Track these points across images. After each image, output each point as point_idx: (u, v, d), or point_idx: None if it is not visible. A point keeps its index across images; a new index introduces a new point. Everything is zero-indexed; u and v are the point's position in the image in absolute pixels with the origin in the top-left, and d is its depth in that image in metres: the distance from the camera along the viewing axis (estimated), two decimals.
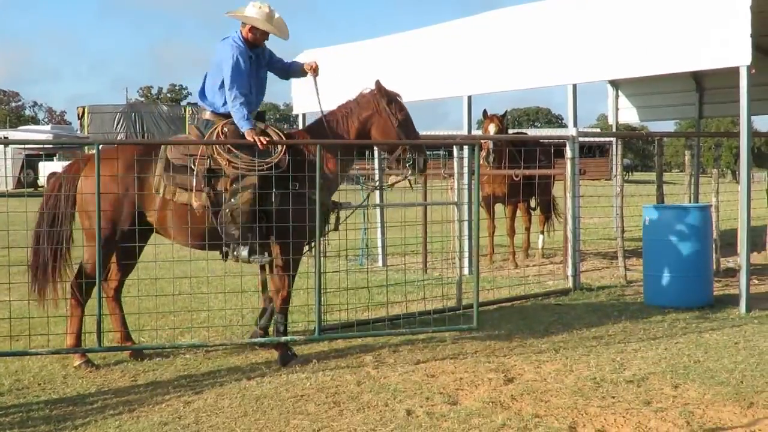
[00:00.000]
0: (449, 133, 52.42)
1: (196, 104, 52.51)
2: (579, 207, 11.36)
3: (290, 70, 7.93)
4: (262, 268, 7.76)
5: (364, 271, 11.61)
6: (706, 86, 17.08)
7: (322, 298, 7.71)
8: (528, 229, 14.21)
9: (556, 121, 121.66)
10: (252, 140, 7.15)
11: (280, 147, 7.29)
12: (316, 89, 7.70)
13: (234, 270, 9.89)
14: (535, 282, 11.44)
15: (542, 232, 14.54)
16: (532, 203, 14.36)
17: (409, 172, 7.57)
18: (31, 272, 7.30)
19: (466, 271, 11.55)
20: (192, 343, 7.72)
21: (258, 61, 7.52)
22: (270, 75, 7.81)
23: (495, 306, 9.82)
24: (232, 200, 7.09)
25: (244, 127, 7.22)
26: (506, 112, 13.69)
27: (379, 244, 13.56)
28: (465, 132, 12.73)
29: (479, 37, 12.24)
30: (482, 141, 12.02)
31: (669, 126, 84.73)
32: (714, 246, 10.98)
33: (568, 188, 10.97)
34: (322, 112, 7.69)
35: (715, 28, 9.36)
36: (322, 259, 7.59)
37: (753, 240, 10.37)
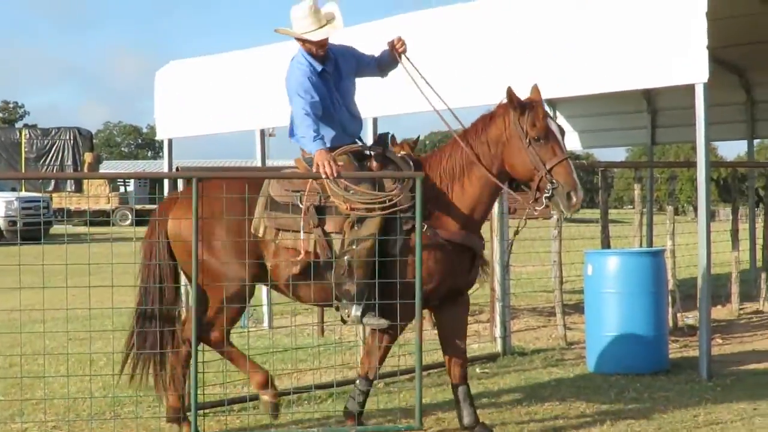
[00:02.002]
0: None
1: (34, 126, 51.46)
2: (509, 253, 11.51)
3: (382, 64, 7.74)
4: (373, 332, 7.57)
5: (244, 335, 11.54)
6: (660, 107, 17.60)
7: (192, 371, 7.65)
8: None
9: None
10: (318, 166, 7.02)
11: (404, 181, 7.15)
12: (414, 74, 7.55)
13: (81, 336, 9.77)
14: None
15: None
16: None
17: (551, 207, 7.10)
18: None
19: None
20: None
21: (337, 72, 7.44)
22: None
23: (408, 376, 9.86)
24: (353, 246, 7.00)
25: (313, 150, 7.10)
26: (418, 137, 13.81)
27: (264, 301, 13.50)
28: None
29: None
30: None
31: (619, 154, 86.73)
32: (670, 299, 11.27)
33: (495, 230, 11.11)
34: (437, 111, 7.69)
35: (667, 40, 9.62)
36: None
37: (716, 291, 10.68)
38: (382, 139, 7.62)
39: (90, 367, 9.28)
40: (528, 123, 6.91)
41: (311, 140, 7.12)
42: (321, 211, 7.18)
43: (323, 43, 7.32)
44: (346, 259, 6.98)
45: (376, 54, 7.68)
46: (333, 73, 7.44)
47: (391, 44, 7.52)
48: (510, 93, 6.98)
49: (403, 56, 7.54)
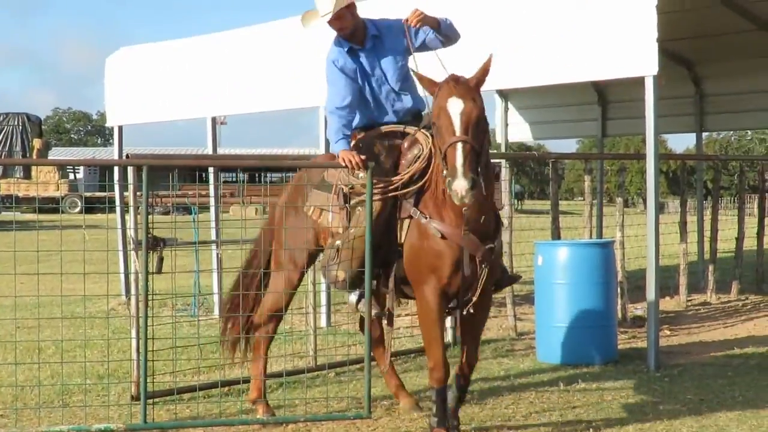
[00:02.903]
0: (308, 151, 52.67)
1: None
2: None
3: (440, 35, 7.32)
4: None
5: (195, 324, 11.51)
6: (610, 99, 17.73)
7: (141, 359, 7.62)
8: None
9: None
10: (342, 162, 6.92)
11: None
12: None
13: (30, 324, 9.69)
14: (407, 336, 11.55)
15: None
16: None
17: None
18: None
19: (323, 322, 11.62)
20: None
21: (378, 49, 7.20)
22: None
23: (359, 365, 9.87)
24: (349, 232, 6.98)
25: (336, 150, 7.03)
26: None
27: (215, 289, 13.45)
28: (322, 150, 12.81)
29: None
30: None
31: (571, 145, 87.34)
32: (619, 290, 11.37)
33: None
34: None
35: (616, 31, 9.72)
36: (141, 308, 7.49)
37: (664, 282, 10.78)
38: (416, 116, 7.35)
39: (38, 355, 9.21)
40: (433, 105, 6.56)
41: (334, 142, 7.10)
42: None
43: (342, 25, 7.15)
44: (337, 245, 6.99)
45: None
46: (371, 50, 7.22)
47: (406, 20, 7.17)
48: (418, 75, 6.74)
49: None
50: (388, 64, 7.25)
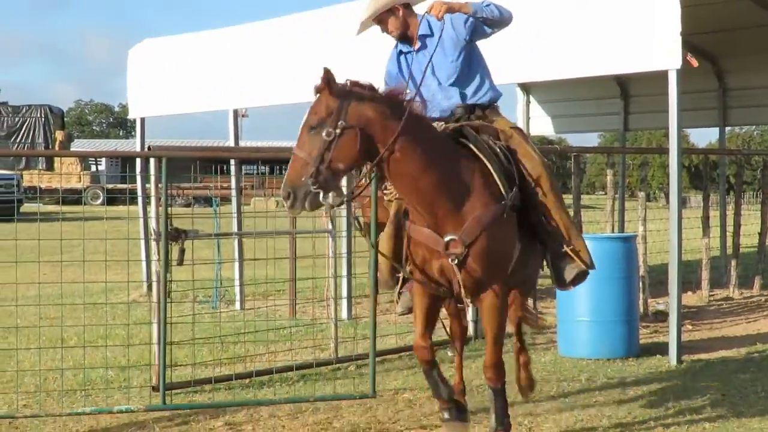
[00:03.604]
0: None
1: (5, 103, 50.91)
2: None
3: (487, 22, 7.11)
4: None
5: (217, 316, 11.55)
6: (633, 93, 17.64)
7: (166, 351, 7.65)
8: None
9: None
10: None
11: None
12: None
13: (52, 314, 9.75)
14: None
15: None
16: None
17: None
18: None
19: (344, 314, 11.63)
20: None
21: (423, 51, 6.97)
22: None
23: (379, 358, 9.87)
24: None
25: None
26: None
27: (237, 282, 13.49)
28: None
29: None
30: None
31: (592, 139, 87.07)
32: (641, 285, 11.33)
33: None
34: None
35: (640, 25, 9.67)
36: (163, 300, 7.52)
37: (686, 277, 10.73)
38: (464, 111, 7.03)
39: (61, 344, 9.25)
40: None
41: None
42: None
43: (388, 28, 7.01)
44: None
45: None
46: (420, 51, 7.01)
47: (430, 8, 6.89)
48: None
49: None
50: (437, 62, 6.94)
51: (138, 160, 8.71)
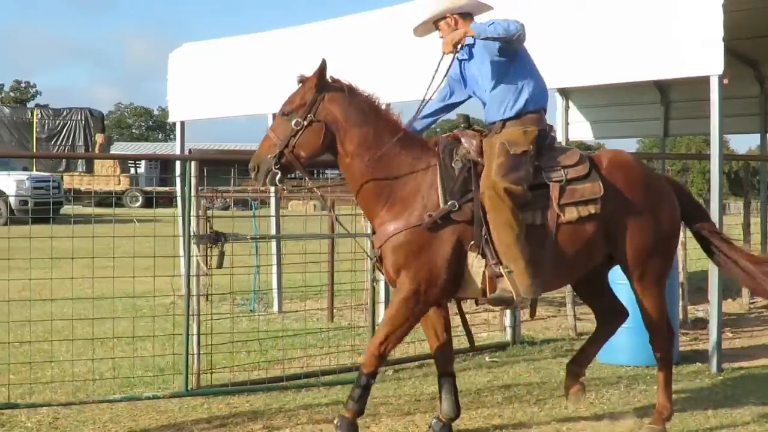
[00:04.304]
0: None
1: (46, 106, 51.33)
2: None
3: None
4: None
5: (255, 318, 11.57)
6: (673, 98, 17.53)
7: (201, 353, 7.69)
8: None
9: None
10: None
11: None
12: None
13: (90, 316, 9.80)
14: (465, 334, 11.52)
15: None
16: None
17: None
18: None
19: (380, 319, 11.62)
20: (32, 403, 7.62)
21: (469, 58, 7.16)
22: None
23: (417, 363, 9.88)
24: None
25: None
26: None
27: (275, 285, 13.53)
28: None
29: (397, 33, 12.25)
30: None
31: (630, 145, 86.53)
32: (680, 291, 11.25)
33: None
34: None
35: (681, 30, 9.61)
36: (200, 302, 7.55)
37: (726, 285, 10.64)
38: (463, 120, 7.26)
39: (99, 347, 9.32)
40: None
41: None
42: None
43: (443, 34, 7.13)
44: None
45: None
46: (467, 60, 7.19)
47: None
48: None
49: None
50: (474, 72, 7.16)
51: (177, 163, 8.73)
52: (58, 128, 51.80)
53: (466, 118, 7.16)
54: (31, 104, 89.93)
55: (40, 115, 52.70)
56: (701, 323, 11.88)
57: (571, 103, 17.71)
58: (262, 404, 8.06)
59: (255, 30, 16.20)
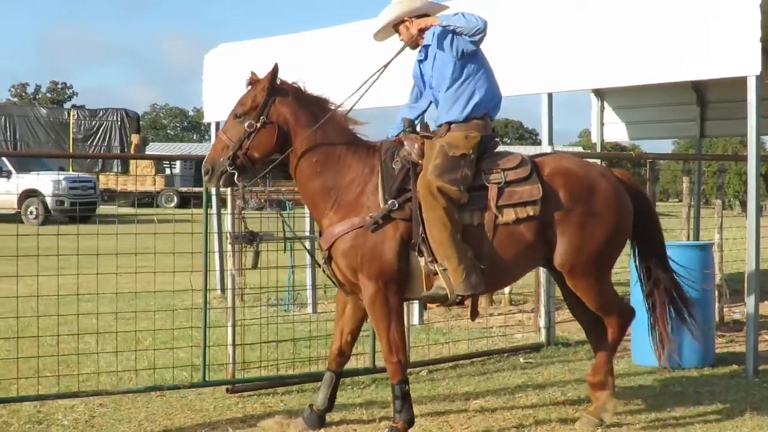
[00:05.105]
0: None
1: (82, 107, 51.72)
2: None
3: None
4: None
5: (290, 319, 11.60)
6: (710, 99, 17.40)
7: (236, 352, 7.72)
8: None
9: (530, 137, 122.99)
10: None
11: None
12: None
13: (127, 315, 9.88)
14: (500, 335, 11.54)
15: None
16: None
17: None
18: None
19: (415, 320, 11.63)
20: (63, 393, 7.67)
21: (426, 61, 7.34)
22: None
23: (451, 364, 9.87)
24: None
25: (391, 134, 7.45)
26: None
27: (309, 285, 13.55)
28: None
29: None
30: None
31: (666, 146, 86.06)
32: (717, 293, 11.17)
33: None
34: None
35: (718, 30, 9.55)
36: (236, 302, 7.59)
37: (764, 286, 10.56)
38: (408, 124, 7.40)
39: (136, 345, 9.38)
40: None
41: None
42: None
43: (402, 37, 7.41)
44: None
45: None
46: (424, 60, 7.36)
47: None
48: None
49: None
50: (432, 73, 7.31)
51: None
52: (94, 129, 52.12)
53: (411, 122, 7.32)
54: (67, 105, 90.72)
55: (76, 116, 53.05)
56: (738, 325, 11.79)
57: (606, 104, 17.62)
58: (296, 404, 8.09)
59: (291, 31, 16.19)
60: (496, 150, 7.32)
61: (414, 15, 7.28)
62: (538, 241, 7.02)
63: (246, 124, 6.93)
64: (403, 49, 7.39)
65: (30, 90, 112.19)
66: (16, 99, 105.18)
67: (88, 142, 51.56)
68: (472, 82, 7.12)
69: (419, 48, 7.32)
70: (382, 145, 7.16)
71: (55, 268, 8.81)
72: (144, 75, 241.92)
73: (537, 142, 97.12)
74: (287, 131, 6.98)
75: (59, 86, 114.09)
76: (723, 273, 11.91)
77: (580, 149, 75.14)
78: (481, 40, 6.99)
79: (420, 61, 7.37)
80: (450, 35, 7.03)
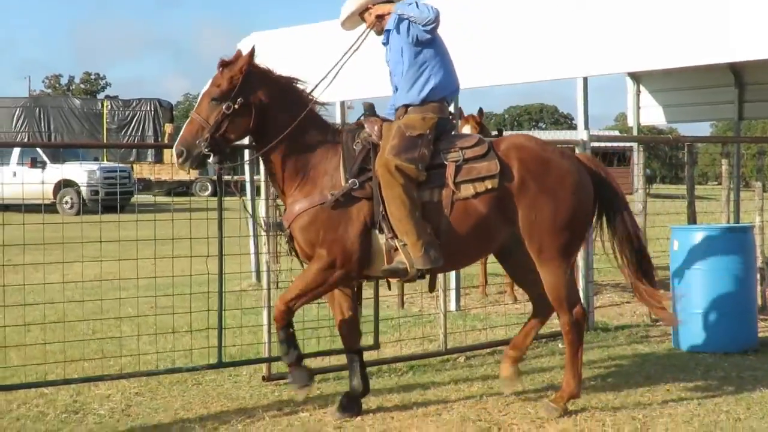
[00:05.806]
0: None
1: (115, 97, 51.87)
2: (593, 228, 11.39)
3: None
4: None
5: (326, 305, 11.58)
6: (748, 81, 17.21)
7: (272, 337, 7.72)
8: None
9: (565, 122, 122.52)
10: None
11: None
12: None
13: (162, 304, 9.91)
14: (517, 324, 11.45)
15: None
16: None
17: None
18: None
19: (452, 306, 11.58)
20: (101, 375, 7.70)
21: (388, 46, 7.71)
22: None
23: (489, 350, 9.82)
24: None
25: None
26: (480, 109, 13.62)
27: None
28: None
29: (469, 19, 12.19)
30: None
31: (704, 129, 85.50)
32: (759, 276, 11.07)
33: None
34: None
35: (756, 10, 9.44)
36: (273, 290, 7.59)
37: None
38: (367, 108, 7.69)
39: (173, 335, 9.41)
40: None
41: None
42: None
43: (367, 24, 7.74)
44: None
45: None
46: (387, 44, 7.70)
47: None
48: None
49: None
50: (391, 57, 7.64)
51: (246, 152, 8.78)
52: (128, 119, 52.41)
53: (371, 106, 7.57)
54: (101, 96, 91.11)
55: (110, 106, 53.33)
56: None
57: (642, 87, 17.50)
58: (332, 391, 8.08)
59: (324, 19, 16.18)
60: (454, 134, 7.68)
61: (378, 2, 7.58)
62: (497, 216, 7.19)
63: (224, 106, 7.02)
64: (367, 33, 7.68)
65: (63, 81, 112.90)
66: (50, 90, 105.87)
67: (122, 132, 51.86)
68: (429, 67, 7.40)
69: (383, 23, 7.60)
70: (345, 128, 7.48)
71: (92, 256, 8.84)
72: (177, 65, 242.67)
73: (573, 127, 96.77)
74: (264, 113, 7.17)
75: (92, 77, 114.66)
76: (764, 256, 11.78)
77: (616, 133, 74.78)
78: (434, 29, 7.28)
79: (384, 45, 7.68)
80: (406, 22, 7.31)
